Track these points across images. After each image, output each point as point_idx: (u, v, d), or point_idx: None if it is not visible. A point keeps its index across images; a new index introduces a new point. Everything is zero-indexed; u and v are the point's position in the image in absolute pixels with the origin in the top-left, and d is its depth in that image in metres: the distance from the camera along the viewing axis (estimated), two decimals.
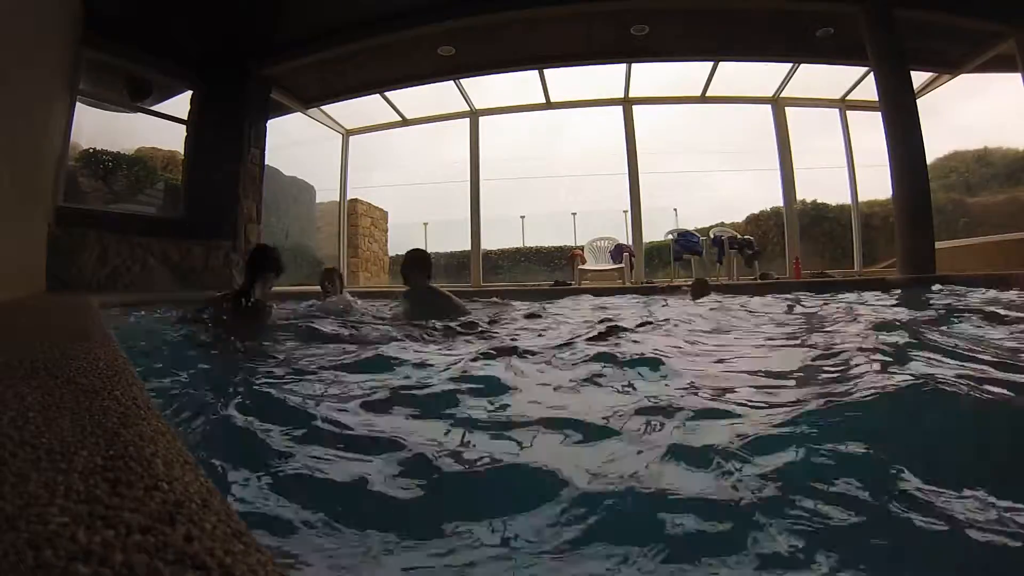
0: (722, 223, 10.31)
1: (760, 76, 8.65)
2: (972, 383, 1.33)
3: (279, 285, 3.95)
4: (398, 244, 12.94)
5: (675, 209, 10.98)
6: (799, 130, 9.07)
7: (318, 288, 4.97)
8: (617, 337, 2.51)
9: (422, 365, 2.01)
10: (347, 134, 10.30)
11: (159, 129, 7.46)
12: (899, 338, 1.96)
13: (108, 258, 5.84)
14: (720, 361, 2.09)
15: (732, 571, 0.68)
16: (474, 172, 9.54)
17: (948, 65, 7.86)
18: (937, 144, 8.35)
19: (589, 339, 2.50)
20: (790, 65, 8.31)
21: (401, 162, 12.08)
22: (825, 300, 4.50)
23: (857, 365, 1.61)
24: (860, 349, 1.79)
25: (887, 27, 6.31)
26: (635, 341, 2.45)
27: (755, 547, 0.71)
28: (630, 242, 8.79)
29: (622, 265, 7.69)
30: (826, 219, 10.20)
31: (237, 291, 3.20)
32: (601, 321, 3.20)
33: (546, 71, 8.52)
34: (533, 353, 2.17)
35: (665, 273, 9.70)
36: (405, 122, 10.01)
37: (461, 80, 8.76)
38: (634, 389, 1.59)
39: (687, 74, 8.76)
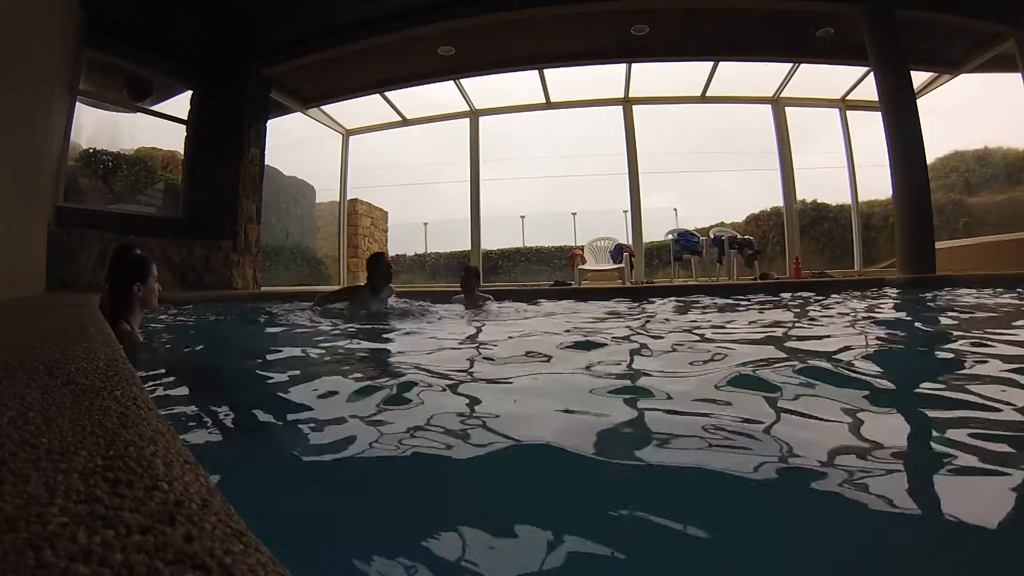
0: (722, 223, 10.30)
1: (760, 76, 8.66)
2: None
3: (282, 284, 3.99)
4: (398, 244, 12.95)
5: (675, 209, 10.98)
6: (799, 130, 9.09)
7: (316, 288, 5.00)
8: None
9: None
10: (347, 134, 10.31)
11: (159, 129, 7.48)
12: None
13: (108, 258, 5.84)
14: None
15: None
16: (474, 172, 9.55)
17: (948, 65, 7.87)
18: (937, 144, 8.35)
19: None
20: (790, 65, 8.31)
21: (401, 162, 12.08)
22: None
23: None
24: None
25: (887, 27, 6.31)
26: None
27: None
28: (630, 242, 8.79)
29: (622, 265, 7.69)
30: (826, 219, 10.20)
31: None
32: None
33: (546, 71, 8.52)
34: None
35: (665, 273, 9.69)
36: (405, 122, 10.01)
37: (461, 80, 8.76)
38: None
39: (687, 74, 8.76)
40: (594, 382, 1.63)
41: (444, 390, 1.60)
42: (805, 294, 5.33)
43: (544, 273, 10.83)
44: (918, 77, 7.27)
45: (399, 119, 9.93)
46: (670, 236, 8.49)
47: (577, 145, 11.48)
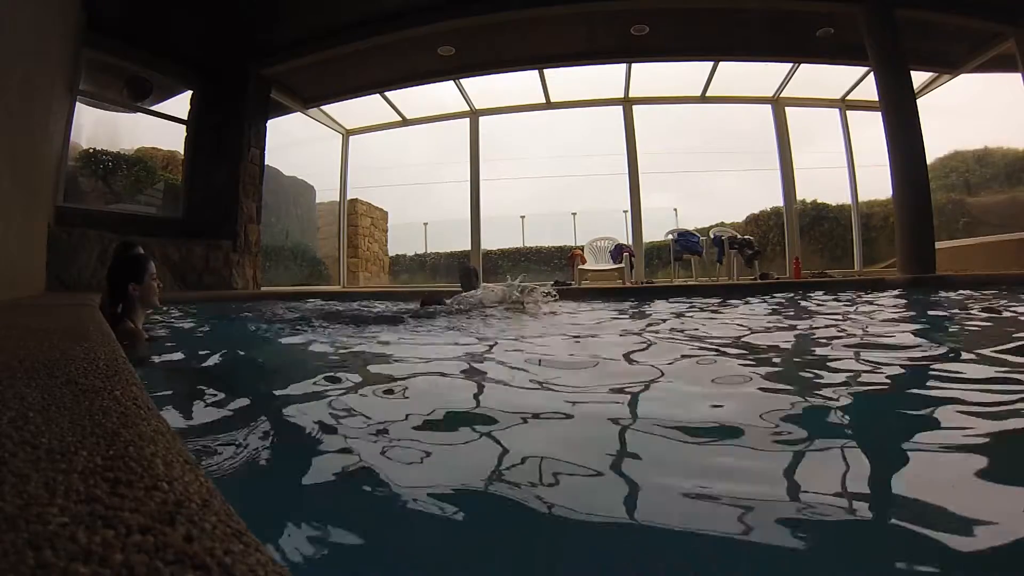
0: (722, 223, 10.31)
1: (760, 76, 8.65)
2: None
3: (282, 284, 3.99)
4: (398, 244, 12.97)
5: (675, 209, 11.00)
6: (799, 130, 9.09)
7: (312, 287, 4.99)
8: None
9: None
10: (347, 134, 10.30)
11: (159, 129, 7.48)
12: None
13: (108, 258, 5.84)
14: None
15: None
16: (474, 172, 9.55)
17: (948, 65, 7.87)
18: (937, 144, 8.35)
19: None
20: (790, 65, 8.31)
21: (401, 162, 12.09)
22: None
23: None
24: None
25: (887, 27, 6.31)
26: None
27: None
28: (630, 242, 8.79)
29: (622, 265, 7.69)
30: (826, 219, 10.20)
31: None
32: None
33: (546, 71, 8.52)
34: None
35: (665, 273, 9.69)
36: (405, 122, 10.01)
37: (461, 80, 8.76)
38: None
39: (687, 74, 8.76)
40: (599, 385, 1.63)
41: (450, 393, 1.60)
42: (805, 294, 5.32)
43: (544, 273, 10.84)
44: (918, 77, 7.27)
45: (399, 119, 9.93)
46: (670, 236, 8.48)
47: (577, 145, 11.49)
